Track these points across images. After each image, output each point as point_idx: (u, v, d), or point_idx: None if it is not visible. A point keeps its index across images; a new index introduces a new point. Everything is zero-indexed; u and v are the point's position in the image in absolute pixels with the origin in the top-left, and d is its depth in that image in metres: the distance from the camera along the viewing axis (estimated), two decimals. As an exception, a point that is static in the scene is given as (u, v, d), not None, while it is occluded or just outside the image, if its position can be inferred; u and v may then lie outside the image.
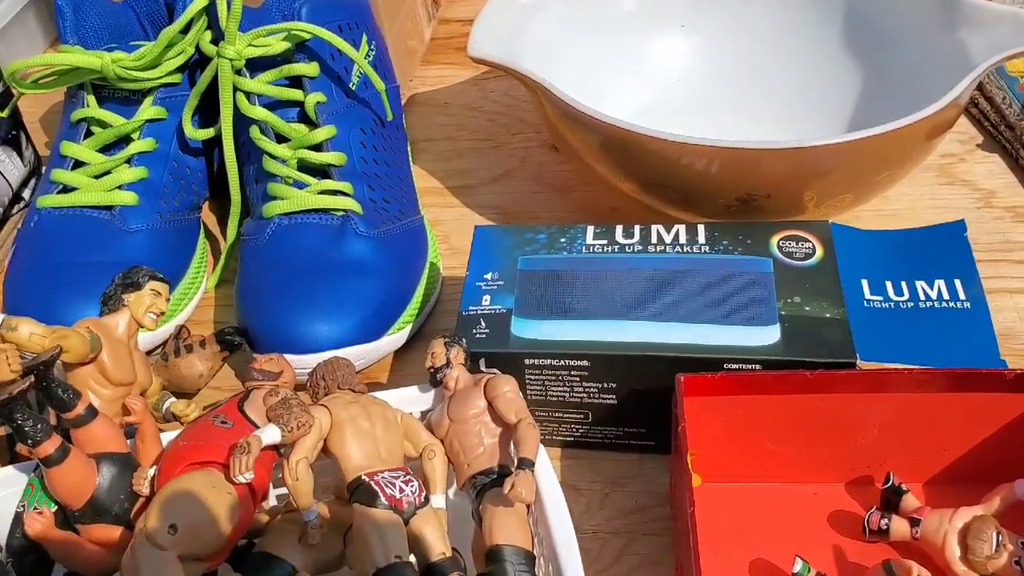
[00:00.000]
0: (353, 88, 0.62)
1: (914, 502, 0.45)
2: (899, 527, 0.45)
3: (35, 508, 0.40)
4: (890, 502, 0.46)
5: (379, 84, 0.61)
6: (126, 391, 0.45)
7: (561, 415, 0.50)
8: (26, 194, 0.72)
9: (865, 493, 0.48)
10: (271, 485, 0.45)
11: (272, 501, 0.47)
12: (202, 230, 0.67)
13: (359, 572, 0.39)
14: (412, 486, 0.40)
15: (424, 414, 0.47)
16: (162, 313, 0.49)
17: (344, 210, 0.58)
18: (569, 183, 0.70)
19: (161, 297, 0.48)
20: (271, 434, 0.40)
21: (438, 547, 0.39)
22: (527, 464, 0.40)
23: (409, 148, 0.69)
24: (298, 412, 0.41)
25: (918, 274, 0.50)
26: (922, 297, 0.49)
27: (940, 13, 0.61)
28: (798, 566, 0.42)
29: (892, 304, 0.49)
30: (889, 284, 0.50)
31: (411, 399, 0.46)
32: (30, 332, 0.42)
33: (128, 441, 0.42)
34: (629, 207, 0.61)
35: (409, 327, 0.58)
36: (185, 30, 0.61)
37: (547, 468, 0.43)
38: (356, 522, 0.40)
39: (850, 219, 0.61)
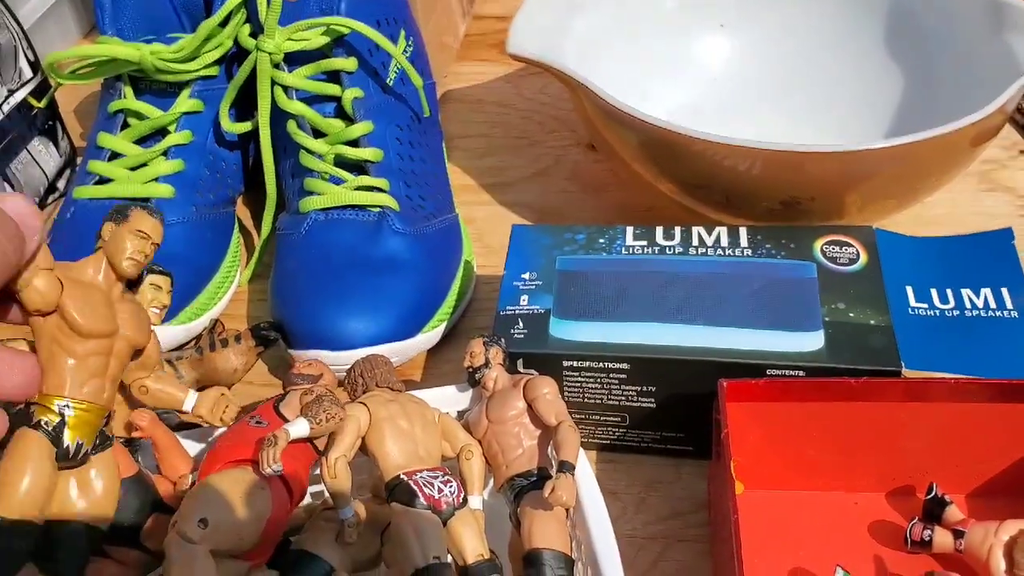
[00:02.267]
0: (390, 84, 0.61)
1: (957, 514, 0.45)
2: (942, 539, 0.44)
3: None
4: (933, 513, 0.45)
5: (417, 80, 0.61)
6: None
7: (598, 418, 0.50)
8: (61, 184, 0.72)
9: (907, 503, 0.47)
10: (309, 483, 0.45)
11: (308, 499, 0.47)
12: (236, 224, 0.67)
13: (397, 572, 0.39)
14: (451, 487, 0.40)
15: (461, 414, 0.46)
16: (165, 307, 0.43)
17: (380, 207, 0.58)
18: (604, 182, 0.70)
19: (163, 290, 0.44)
20: (299, 427, 0.40)
21: (476, 549, 0.39)
22: (568, 467, 0.40)
23: (444, 145, 0.68)
24: (327, 405, 0.40)
25: (964, 282, 0.50)
26: (968, 305, 0.48)
27: (987, 16, 0.60)
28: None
29: (937, 312, 0.48)
30: (934, 292, 0.49)
31: (448, 398, 0.46)
32: None
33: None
34: (666, 207, 0.60)
35: (443, 325, 0.58)
36: (224, 23, 0.61)
37: (587, 472, 0.42)
38: (394, 522, 0.39)
39: (889, 225, 0.60)
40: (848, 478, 0.47)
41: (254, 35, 0.60)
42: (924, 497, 0.45)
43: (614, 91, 0.57)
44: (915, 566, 0.44)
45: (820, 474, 0.47)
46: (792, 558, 0.45)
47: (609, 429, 0.50)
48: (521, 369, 0.48)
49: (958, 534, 0.44)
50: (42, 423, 0.35)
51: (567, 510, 0.41)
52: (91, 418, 0.36)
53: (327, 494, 0.40)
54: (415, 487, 0.39)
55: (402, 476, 0.40)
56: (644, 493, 0.50)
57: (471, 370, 0.45)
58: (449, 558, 0.39)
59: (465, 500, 0.40)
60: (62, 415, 0.35)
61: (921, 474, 0.46)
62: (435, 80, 0.69)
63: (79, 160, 0.73)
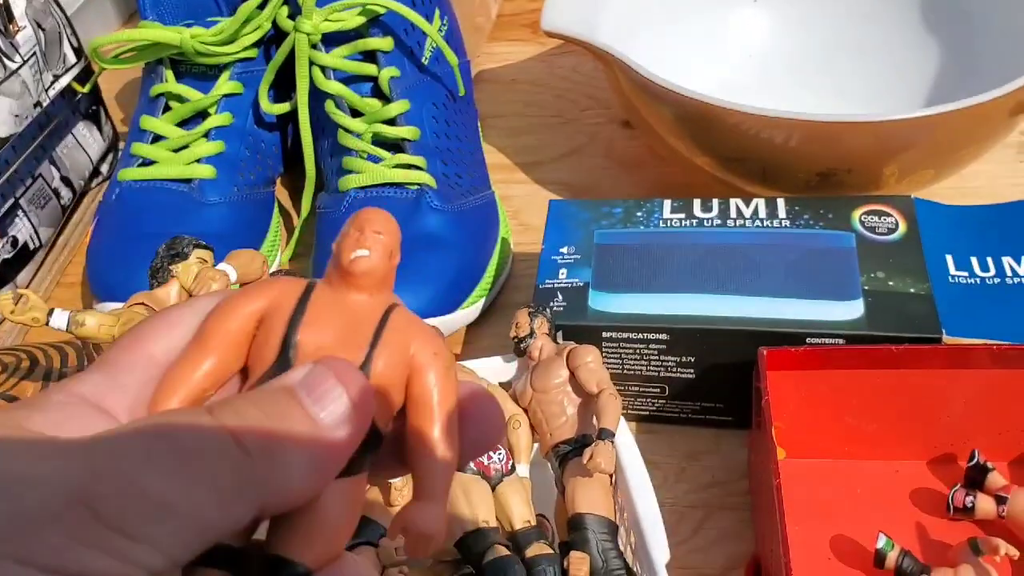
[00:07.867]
0: (426, 63, 0.62)
1: (1000, 480, 0.45)
2: (985, 505, 0.44)
3: None
4: (975, 480, 0.45)
5: (452, 58, 0.62)
6: None
7: (638, 389, 0.50)
8: (104, 168, 0.73)
9: (948, 470, 0.47)
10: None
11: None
12: (276, 204, 0.68)
13: (446, 534, 0.39)
14: (499, 454, 0.41)
15: (506, 384, 0.47)
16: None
17: (419, 184, 0.59)
18: (640, 159, 0.70)
19: (207, 264, 0.47)
20: None
21: (523, 515, 0.40)
22: (607, 434, 0.40)
23: (479, 124, 0.69)
24: None
25: (1004, 250, 0.49)
26: (1009, 273, 0.48)
27: (1025, -15, 0.60)
28: (882, 542, 0.42)
29: (978, 280, 0.48)
30: (974, 260, 0.49)
31: (495, 369, 0.47)
32: (98, 324, 0.42)
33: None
34: (703, 183, 0.61)
35: (482, 301, 0.59)
36: (262, 5, 0.62)
37: (628, 439, 0.43)
38: (443, 487, 0.40)
39: (926, 195, 0.60)
40: (888, 446, 0.47)
41: (292, 16, 0.61)
42: (966, 464, 0.46)
43: (648, 67, 0.57)
44: (956, 532, 0.44)
45: (860, 442, 0.47)
46: (834, 525, 0.45)
47: (648, 400, 0.51)
48: (560, 341, 0.49)
49: (1001, 500, 0.44)
50: None
51: (611, 476, 0.41)
52: None
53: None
54: (463, 453, 0.40)
55: (450, 443, 0.41)
56: (684, 463, 0.50)
57: (517, 340, 0.46)
58: (496, 523, 0.40)
59: (513, 467, 0.41)
60: None
61: (962, 441, 0.46)
62: (469, 60, 0.69)
63: (121, 144, 0.75)
